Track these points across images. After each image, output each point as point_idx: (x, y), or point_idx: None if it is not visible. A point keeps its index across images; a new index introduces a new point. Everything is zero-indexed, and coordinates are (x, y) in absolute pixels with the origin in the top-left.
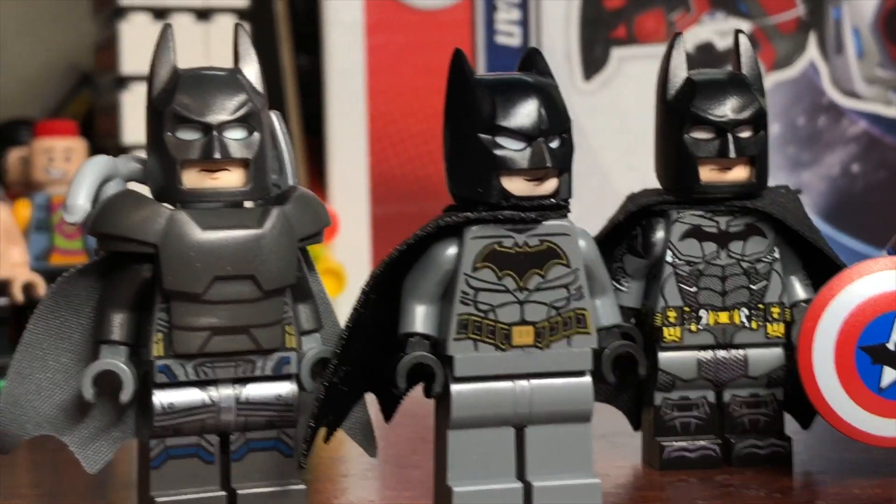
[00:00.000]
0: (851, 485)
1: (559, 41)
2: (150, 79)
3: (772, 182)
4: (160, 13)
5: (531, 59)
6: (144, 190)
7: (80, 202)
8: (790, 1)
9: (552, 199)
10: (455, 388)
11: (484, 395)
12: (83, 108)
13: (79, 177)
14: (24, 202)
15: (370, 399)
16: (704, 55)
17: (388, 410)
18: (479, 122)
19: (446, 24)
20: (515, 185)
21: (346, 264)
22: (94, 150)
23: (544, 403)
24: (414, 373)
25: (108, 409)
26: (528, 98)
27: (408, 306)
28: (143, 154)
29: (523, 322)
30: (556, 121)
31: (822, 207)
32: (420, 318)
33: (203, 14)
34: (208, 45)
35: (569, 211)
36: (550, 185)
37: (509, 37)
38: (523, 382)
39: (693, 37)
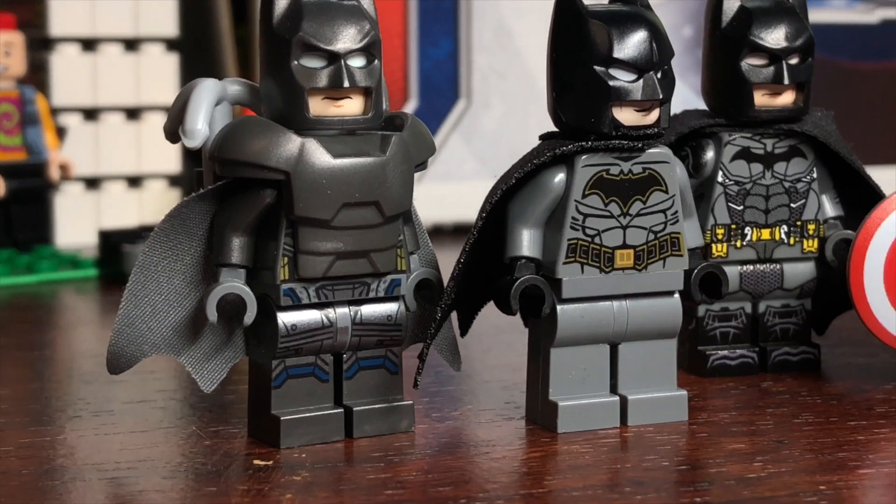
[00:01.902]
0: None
1: None
2: (266, 5)
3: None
4: None
5: None
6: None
7: (199, 126)
8: None
9: (655, 129)
10: (561, 308)
11: (587, 314)
12: None
13: (195, 101)
14: None
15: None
16: None
17: (465, 326)
18: (594, 55)
19: None
20: (625, 116)
21: None
22: None
23: (639, 322)
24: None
25: (218, 330)
26: (640, 31)
27: (515, 231)
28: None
29: (625, 246)
30: (665, 53)
31: None
32: (527, 242)
33: None
34: None
35: (663, 138)
36: (655, 114)
37: None
38: (622, 302)
39: None
